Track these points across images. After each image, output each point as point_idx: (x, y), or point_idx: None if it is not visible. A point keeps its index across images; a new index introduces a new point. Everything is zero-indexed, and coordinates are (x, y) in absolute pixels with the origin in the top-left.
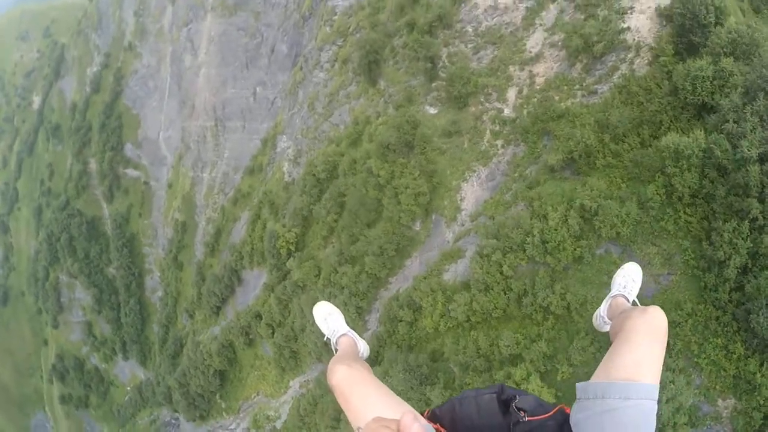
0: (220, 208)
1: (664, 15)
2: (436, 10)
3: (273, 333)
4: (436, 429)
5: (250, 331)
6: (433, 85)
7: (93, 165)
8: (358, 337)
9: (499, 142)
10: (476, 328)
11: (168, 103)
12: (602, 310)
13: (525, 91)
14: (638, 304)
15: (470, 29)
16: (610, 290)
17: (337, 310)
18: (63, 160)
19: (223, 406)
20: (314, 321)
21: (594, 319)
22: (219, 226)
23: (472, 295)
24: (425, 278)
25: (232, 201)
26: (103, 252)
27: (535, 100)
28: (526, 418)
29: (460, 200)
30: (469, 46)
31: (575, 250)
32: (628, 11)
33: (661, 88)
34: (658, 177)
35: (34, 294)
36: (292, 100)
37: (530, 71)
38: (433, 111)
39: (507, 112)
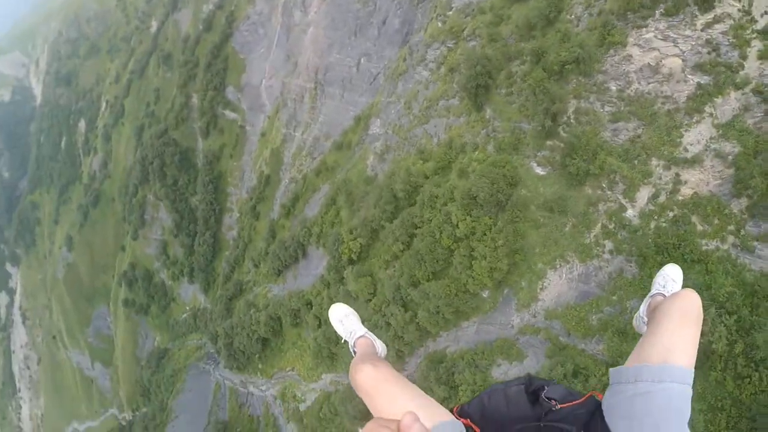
0: (303, 176)
1: None
2: (574, 47)
3: (318, 326)
4: (466, 424)
5: (299, 315)
6: (548, 142)
7: (195, 100)
8: (375, 338)
9: (609, 245)
10: None
11: (275, 53)
12: (642, 310)
13: (662, 198)
14: None
15: (614, 87)
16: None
17: (353, 311)
18: (169, 89)
19: (260, 367)
20: (330, 323)
21: (634, 321)
22: (298, 192)
23: None
24: (472, 365)
25: (316, 171)
26: (190, 183)
27: (671, 215)
28: (558, 407)
29: (541, 289)
30: (607, 109)
31: None
32: None
33: None
34: None
35: (123, 204)
36: (391, 87)
37: (677, 175)
38: (540, 172)
39: (630, 213)
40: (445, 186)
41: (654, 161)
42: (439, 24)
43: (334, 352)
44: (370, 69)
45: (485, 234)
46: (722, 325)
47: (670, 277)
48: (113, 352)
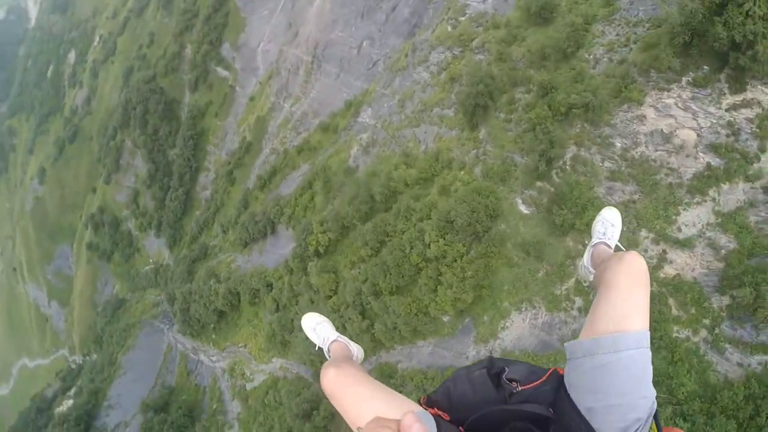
0: (284, 150)
1: None
2: (587, 91)
3: (276, 310)
4: (435, 414)
5: (258, 295)
6: (539, 183)
7: (188, 51)
8: (349, 341)
9: (579, 302)
10: None
11: (278, 18)
12: (585, 259)
13: None
14: (622, 248)
15: (619, 144)
16: (590, 239)
17: (326, 319)
18: (164, 35)
19: (213, 337)
20: (304, 332)
21: (579, 270)
22: (277, 166)
23: None
24: (420, 389)
25: (298, 149)
26: (170, 135)
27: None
28: (519, 388)
29: (502, 327)
30: (607, 164)
31: None
32: None
33: None
34: None
35: (100, 144)
36: (388, 79)
37: (664, 252)
38: (524, 210)
39: None
40: (424, 201)
41: (644, 232)
42: (449, 28)
43: (287, 339)
44: (371, 54)
45: (455, 261)
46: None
47: (609, 222)
48: (71, 293)
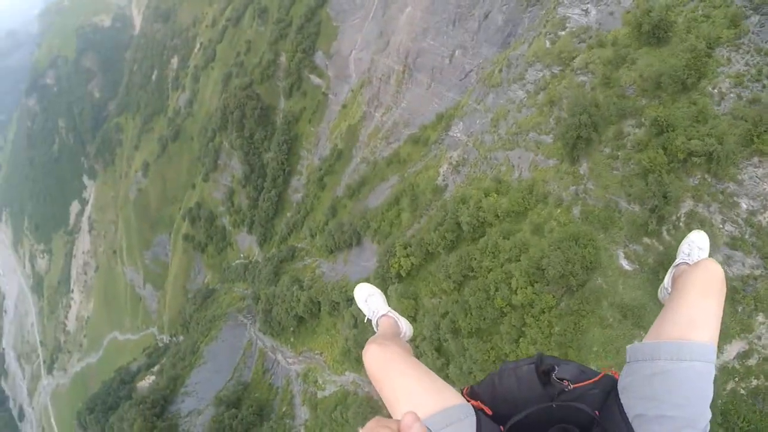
0: (374, 160)
1: None
2: (711, 138)
3: (354, 326)
4: (477, 406)
5: (337, 308)
6: (645, 239)
7: (283, 59)
8: (399, 316)
9: None
10: None
11: (369, 26)
12: (666, 282)
13: (752, 361)
14: None
15: (744, 206)
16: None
17: (378, 291)
18: (260, 43)
19: (291, 340)
20: (356, 302)
21: (659, 293)
22: (366, 177)
23: None
24: None
25: (387, 161)
26: (266, 139)
27: (754, 385)
28: (570, 387)
29: None
30: (728, 228)
31: None
32: None
33: None
34: None
35: (200, 144)
36: (481, 93)
37: None
38: (626, 266)
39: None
40: (515, 239)
41: (761, 317)
42: (547, 43)
43: (357, 354)
44: (463, 64)
45: (543, 313)
46: None
47: (696, 244)
48: (165, 278)
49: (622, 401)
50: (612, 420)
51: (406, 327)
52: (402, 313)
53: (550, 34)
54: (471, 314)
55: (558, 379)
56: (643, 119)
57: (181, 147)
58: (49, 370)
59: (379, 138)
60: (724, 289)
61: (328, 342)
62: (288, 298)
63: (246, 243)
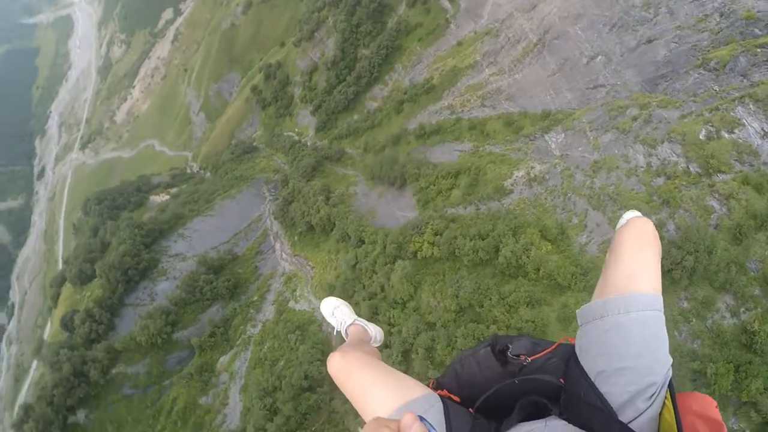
0: (458, 117)
1: None
2: None
3: (353, 266)
4: (445, 395)
5: (347, 240)
6: None
7: None
8: (367, 323)
9: None
10: None
11: None
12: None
13: None
14: None
15: None
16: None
17: (344, 302)
18: None
19: (295, 239)
20: (324, 318)
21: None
22: (443, 126)
23: None
24: None
25: (471, 123)
26: (369, 34)
27: None
28: (528, 360)
29: None
30: None
31: None
32: None
33: None
34: None
35: (306, 8)
36: (600, 122)
37: None
38: None
39: None
40: (537, 312)
41: None
42: (702, 133)
43: (340, 294)
44: (599, 74)
45: None
46: None
47: (627, 217)
48: (220, 115)
49: (582, 363)
50: (576, 383)
51: (375, 332)
52: (396, 294)
53: (711, 125)
54: (453, 348)
55: (514, 355)
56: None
57: (288, 2)
58: (83, 147)
59: (477, 96)
60: (658, 242)
61: (325, 262)
62: (311, 202)
63: (305, 121)
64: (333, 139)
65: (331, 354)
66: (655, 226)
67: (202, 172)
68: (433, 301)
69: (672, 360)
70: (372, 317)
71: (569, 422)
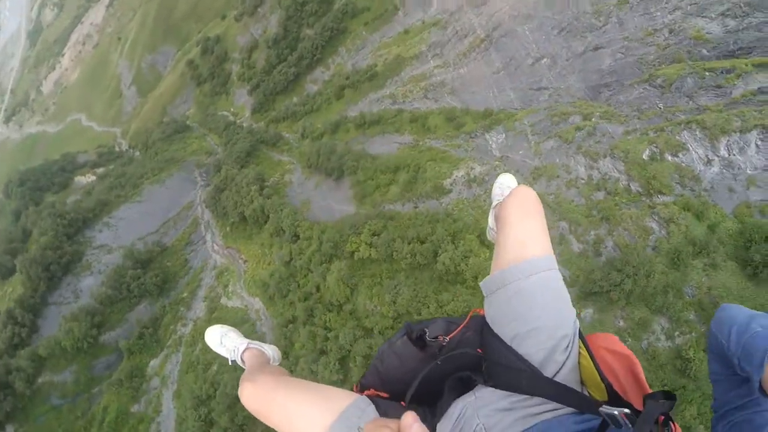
0: (399, 107)
1: None
2: None
3: (287, 263)
4: (372, 395)
5: (281, 234)
6: None
7: None
8: (261, 344)
9: None
10: None
11: None
12: (490, 222)
13: None
14: None
15: None
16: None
17: (230, 328)
18: None
19: (227, 230)
20: (211, 349)
21: (488, 234)
22: (383, 116)
23: None
24: None
25: (412, 116)
26: (314, 14)
27: None
28: (446, 339)
29: None
30: None
31: None
32: None
33: None
34: None
35: None
36: (541, 127)
37: None
38: None
39: None
40: None
41: None
42: (646, 153)
43: (276, 297)
44: (543, 76)
45: None
46: None
47: (506, 184)
48: (152, 89)
49: (495, 331)
50: (495, 350)
51: (272, 353)
52: (333, 296)
53: (655, 146)
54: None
55: (432, 338)
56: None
57: None
58: (7, 120)
59: (420, 87)
60: (541, 207)
61: (258, 255)
62: (244, 192)
63: (241, 101)
64: (270, 121)
65: (240, 386)
66: (537, 194)
67: (131, 150)
68: (371, 305)
69: (576, 311)
70: (308, 320)
71: (497, 388)
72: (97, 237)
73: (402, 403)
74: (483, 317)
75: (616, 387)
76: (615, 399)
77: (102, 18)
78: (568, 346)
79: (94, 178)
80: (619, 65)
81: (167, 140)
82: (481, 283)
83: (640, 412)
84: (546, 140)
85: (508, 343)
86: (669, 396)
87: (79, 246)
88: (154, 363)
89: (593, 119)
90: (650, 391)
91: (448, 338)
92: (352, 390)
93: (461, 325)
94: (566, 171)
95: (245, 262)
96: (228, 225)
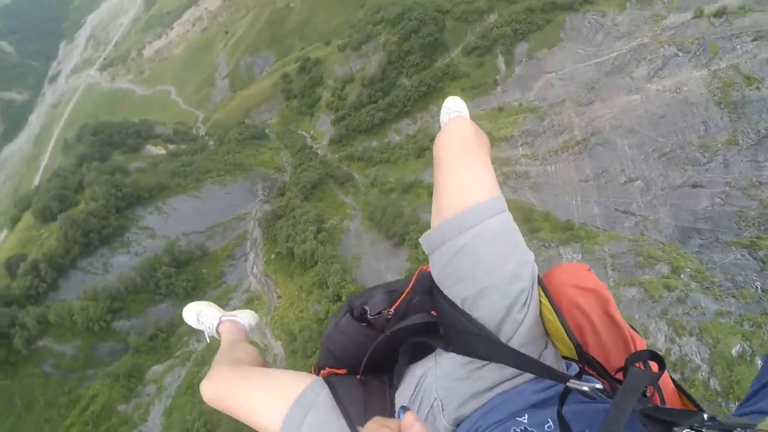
0: None
1: None
2: None
3: (324, 319)
4: (331, 373)
5: (324, 287)
6: None
7: (493, 15)
8: (235, 314)
9: None
10: None
11: (587, 69)
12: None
13: None
14: None
15: None
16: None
17: (206, 303)
18: None
19: (272, 257)
20: (189, 327)
21: None
22: None
23: None
24: None
25: None
26: (415, 67)
27: None
28: (391, 311)
29: None
30: None
31: None
32: None
33: None
34: None
35: (364, 15)
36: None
37: None
38: None
39: None
40: None
41: None
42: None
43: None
44: (634, 199)
45: None
46: None
47: (454, 109)
48: (243, 88)
49: (446, 293)
50: (447, 314)
51: (246, 320)
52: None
53: (748, 344)
54: None
55: (375, 315)
56: None
57: (349, 3)
58: (103, 68)
59: (502, 171)
60: (483, 140)
61: (294, 297)
62: (299, 229)
63: (323, 127)
64: (344, 157)
65: (201, 383)
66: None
67: (206, 138)
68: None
69: (533, 254)
70: None
71: (457, 353)
72: (146, 218)
73: (358, 377)
74: (430, 275)
75: (588, 339)
76: (586, 358)
77: (217, 6)
78: (526, 300)
79: (164, 152)
80: (716, 212)
81: (242, 143)
82: (420, 240)
83: (619, 381)
84: (628, 287)
85: (460, 306)
86: (655, 357)
87: (126, 221)
88: (156, 369)
89: (683, 276)
90: (631, 339)
91: (392, 309)
92: (311, 371)
93: (404, 294)
94: (643, 333)
95: (279, 297)
96: (274, 252)
